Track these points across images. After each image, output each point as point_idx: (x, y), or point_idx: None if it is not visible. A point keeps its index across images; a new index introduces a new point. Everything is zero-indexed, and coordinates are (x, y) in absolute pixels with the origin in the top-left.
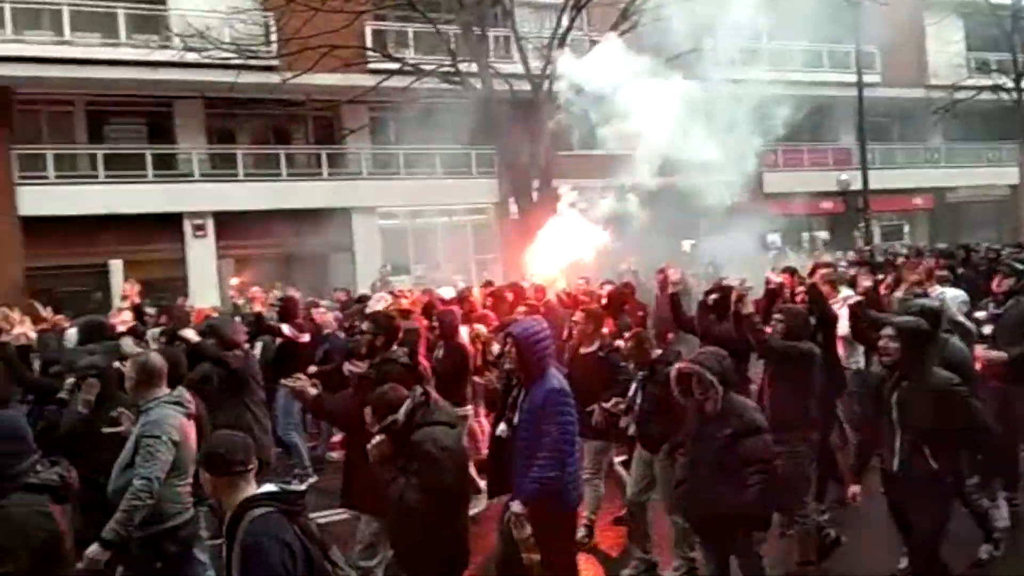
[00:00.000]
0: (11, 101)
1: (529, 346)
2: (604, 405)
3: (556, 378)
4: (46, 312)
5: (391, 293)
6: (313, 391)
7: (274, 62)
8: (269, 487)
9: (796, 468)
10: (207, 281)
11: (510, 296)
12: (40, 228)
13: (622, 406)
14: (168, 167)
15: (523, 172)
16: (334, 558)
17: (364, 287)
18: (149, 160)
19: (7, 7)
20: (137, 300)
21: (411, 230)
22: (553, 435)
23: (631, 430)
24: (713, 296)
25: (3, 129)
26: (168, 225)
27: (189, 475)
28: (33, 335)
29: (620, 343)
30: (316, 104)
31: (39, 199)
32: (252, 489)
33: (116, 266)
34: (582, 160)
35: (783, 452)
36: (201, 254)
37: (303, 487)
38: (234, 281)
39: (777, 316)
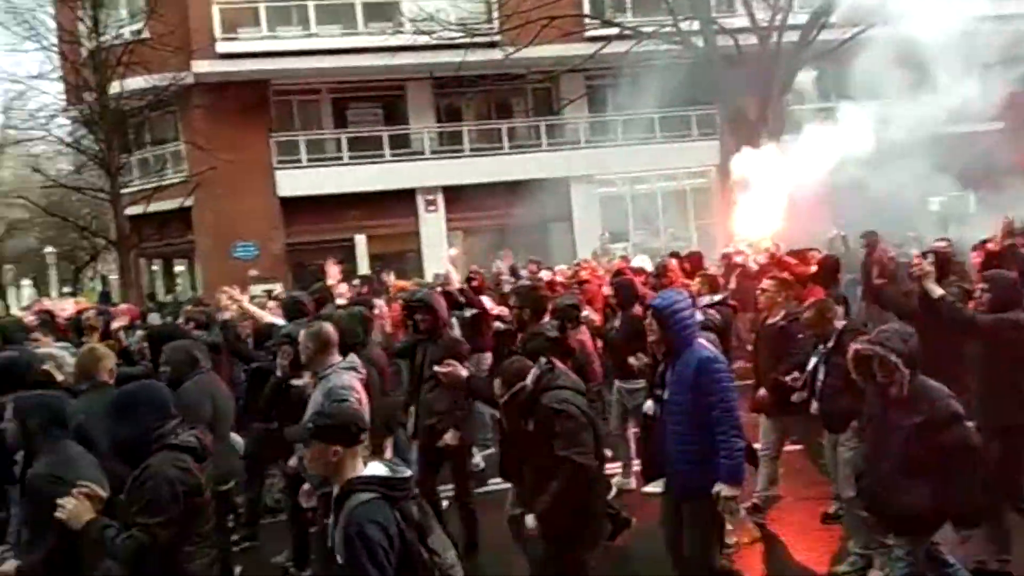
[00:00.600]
0: (268, 93)
1: (670, 318)
2: (780, 378)
3: (706, 348)
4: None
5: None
6: (464, 372)
7: (496, 38)
8: (378, 469)
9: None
10: (438, 253)
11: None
12: (295, 207)
13: (799, 382)
14: (402, 146)
15: (749, 131)
16: (432, 545)
17: (584, 256)
18: (386, 140)
19: (262, 6)
20: (340, 277)
21: (630, 197)
22: (723, 405)
23: (813, 407)
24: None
25: (263, 119)
26: (403, 201)
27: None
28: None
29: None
30: (536, 76)
31: (294, 181)
32: (360, 467)
33: (360, 240)
34: (814, 115)
35: (993, 443)
36: (432, 227)
37: (408, 473)
38: (452, 252)
39: (982, 285)
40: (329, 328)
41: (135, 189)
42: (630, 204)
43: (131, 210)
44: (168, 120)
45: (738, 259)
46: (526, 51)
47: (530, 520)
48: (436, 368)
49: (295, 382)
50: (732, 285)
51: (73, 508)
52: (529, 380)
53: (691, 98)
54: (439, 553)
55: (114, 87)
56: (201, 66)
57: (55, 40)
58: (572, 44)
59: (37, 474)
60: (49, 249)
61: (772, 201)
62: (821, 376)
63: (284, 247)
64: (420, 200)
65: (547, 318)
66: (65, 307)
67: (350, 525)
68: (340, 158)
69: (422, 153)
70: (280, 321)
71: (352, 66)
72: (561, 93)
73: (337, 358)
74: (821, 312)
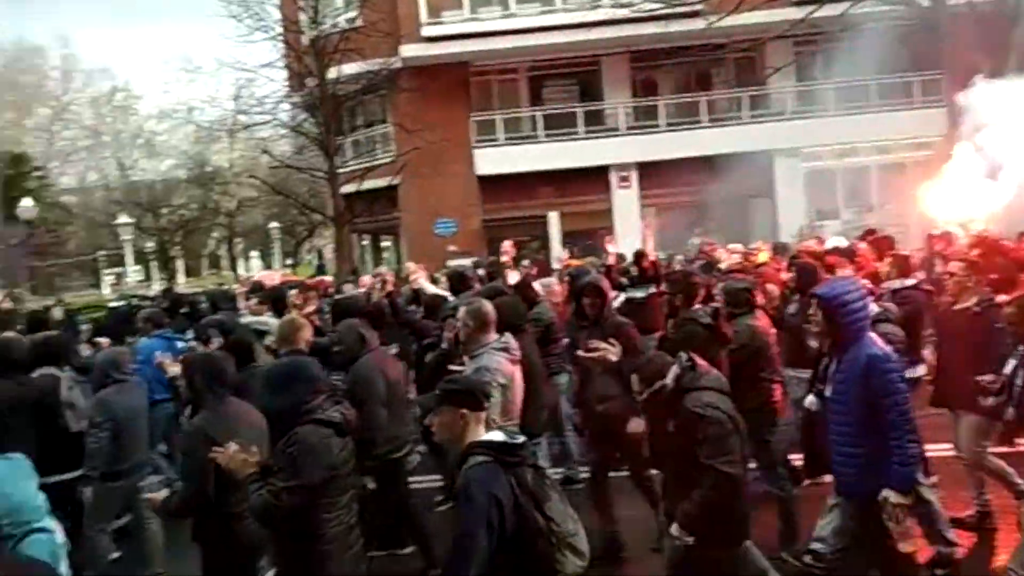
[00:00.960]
0: (468, 74)
1: (838, 309)
2: (981, 379)
3: (876, 344)
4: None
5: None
6: (613, 356)
7: (698, 7)
8: (495, 435)
9: None
10: (631, 230)
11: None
12: (492, 184)
13: (996, 385)
14: (596, 123)
15: None
16: (550, 512)
17: (786, 234)
18: (580, 117)
19: None
20: (513, 253)
21: (840, 171)
22: (898, 408)
23: (1008, 414)
24: None
25: (463, 100)
26: (596, 178)
27: (516, 417)
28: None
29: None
30: (739, 45)
31: (491, 159)
32: (481, 432)
33: (553, 217)
34: None
35: None
36: (625, 204)
37: (522, 439)
38: (643, 229)
39: None
40: (488, 307)
41: (349, 169)
42: (839, 179)
43: (345, 188)
44: (377, 103)
45: (941, 245)
46: (729, 19)
47: (674, 529)
48: (579, 353)
49: (452, 367)
50: (941, 268)
51: (230, 458)
52: (669, 379)
53: (914, 62)
54: (557, 521)
55: (331, 73)
56: (408, 50)
57: (280, 30)
58: (779, 9)
59: (191, 427)
60: (273, 225)
61: (994, 176)
62: (1020, 382)
63: (481, 224)
64: (613, 177)
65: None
66: (273, 277)
67: (462, 484)
68: (535, 136)
69: (616, 129)
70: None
71: (549, 43)
72: (766, 62)
73: (493, 337)
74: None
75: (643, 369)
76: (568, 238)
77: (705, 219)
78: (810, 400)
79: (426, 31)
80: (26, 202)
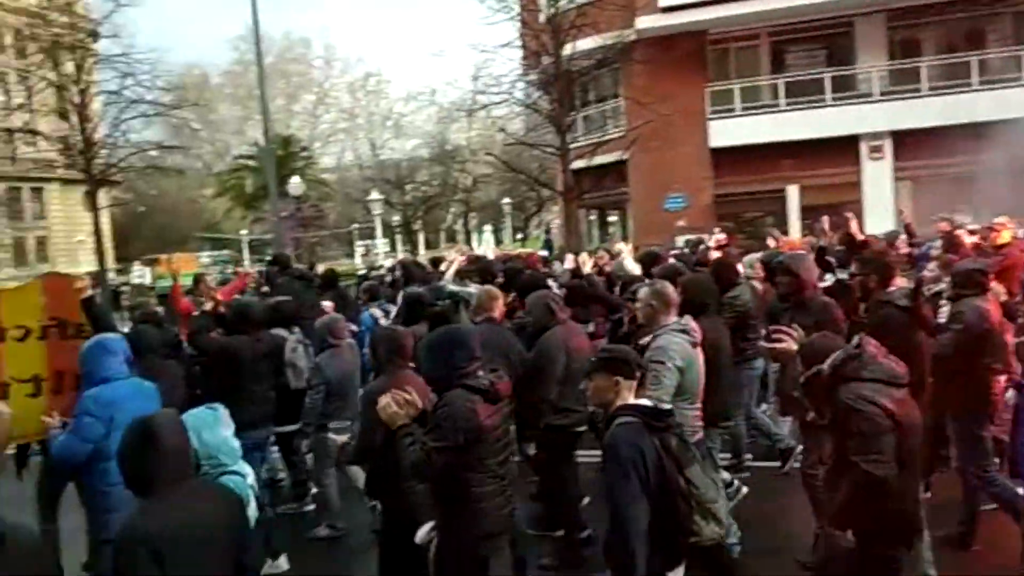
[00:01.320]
0: (704, 43)
1: None
2: None
3: None
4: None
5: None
6: (793, 346)
7: None
8: (643, 401)
9: None
10: (882, 205)
11: None
12: (726, 157)
13: None
14: (846, 89)
15: None
16: (691, 476)
17: None
18: (827, 84)
19: None
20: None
21: None
22: None
23: None
24: None
25: (698, 70)
26: (843, 148)
27: (696, 399)
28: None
29: None
30: None
31: (727, 131)
32: (631, 398)
33: (792, 191)
34: None
35: None
36: (876, 176)
37: (669, 407)
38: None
39: None
40: (669, 288)
41: (579, 144)
42: None
43: (575, 164)
44: (609, 77)
45: None
46: None
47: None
48: (762, 343)
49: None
50: None
51: (387, 408)
52: (827, 365)
53: None
54: (697, 486)
55: (566, 49)
56: (644, 22)
57: (518, 10)
58: None
59: (366, 389)
60: (505, 200)
61: None
62: None
63: (712, 198)
64: (863, 147)
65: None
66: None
67: (608, 442)
68: (776, 105)
69: (869, 95)
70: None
71: (796, 6)
72: None
73: (673, 318)
74: None
75: (806, 349)
76: (807, 213)
77: (971, 194)
78: (1010, 395)
79: (663, 1)
80: (295, 180)
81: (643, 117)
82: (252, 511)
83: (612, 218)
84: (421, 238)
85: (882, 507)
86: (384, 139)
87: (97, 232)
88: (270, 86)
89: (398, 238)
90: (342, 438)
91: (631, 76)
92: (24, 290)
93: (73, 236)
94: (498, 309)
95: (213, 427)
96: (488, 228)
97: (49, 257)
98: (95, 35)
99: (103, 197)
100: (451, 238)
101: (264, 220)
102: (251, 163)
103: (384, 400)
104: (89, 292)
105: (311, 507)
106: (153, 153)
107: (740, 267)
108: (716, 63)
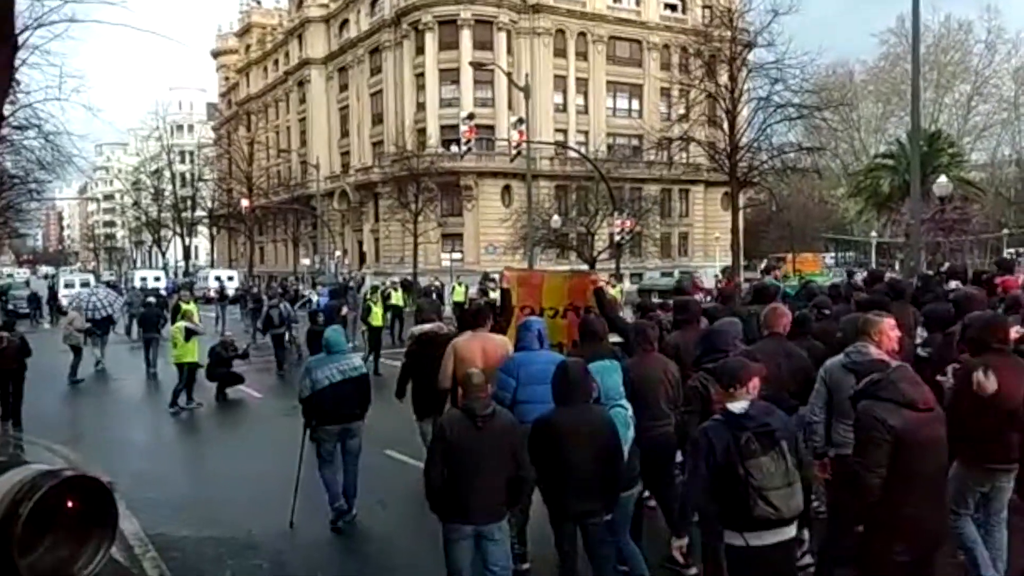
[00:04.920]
0: None
1: None
2: None
3: None
4: None
5: None
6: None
7: None
8: (736, 407)
9: None
10: None
11: None
12: None
13: None
14: None
15: None
16: (750, 467)
17: None
18: None
19: None
20: None
21: None
22: None
23: None
24: None
25: None
26: None
27: None
28: None
29: None
30: None
31: None
32: (728, 403)
33: None
34: None
35: None
36: None
37: (752, 412)
38: None
39: None
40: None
41: None
42: None
43: None
44: None
45: None
46: None
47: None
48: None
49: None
50: None
51: None
52: (861, 384)
53: None
54: (755, 475)
55: None
56: None
57: None
58: None
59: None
60: None
61: None
62: None
63: None
64: None
65: None
66: None
67: (697, 432)
68: None
69: None
70: None
71: None
72: None
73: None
74: None
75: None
76: None
77: None
78: None
79: None
80: (941, 180)
81: None
82: (629, 434)
83: None
84: None
85: (874, 507)
86: None
87: (734, 230)
88: (920, 78)
89: None
90: None
91: None
92: (556, 279)
93: (711, 233)
94: (781, 325)
95: (607, 374)
96: None
97: (688, 251)
98: (750, 46)
99: (741, 197)
100: None
101: (898, 222)
102: (889, 162)
103: None
104: (600, 284)
105: None
106: (791, 155)
107: None
108: None
